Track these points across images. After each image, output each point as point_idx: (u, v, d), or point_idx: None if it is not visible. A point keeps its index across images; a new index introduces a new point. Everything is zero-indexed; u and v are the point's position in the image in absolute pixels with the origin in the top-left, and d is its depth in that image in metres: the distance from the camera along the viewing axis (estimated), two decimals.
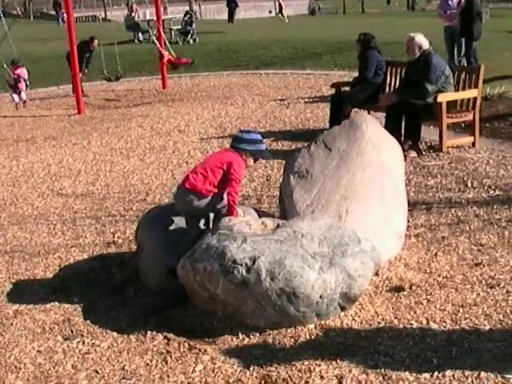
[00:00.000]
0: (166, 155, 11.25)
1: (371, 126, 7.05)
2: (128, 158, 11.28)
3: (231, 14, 46.94)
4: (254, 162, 6.29)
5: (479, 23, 16.47)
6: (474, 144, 10.38)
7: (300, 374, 4.65)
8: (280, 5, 53.89)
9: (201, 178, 5.94)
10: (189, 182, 5.98)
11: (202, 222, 6.18)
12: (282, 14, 52.14)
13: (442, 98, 10.00)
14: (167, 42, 19.06)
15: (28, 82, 17.06)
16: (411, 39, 10.50)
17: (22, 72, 17.05)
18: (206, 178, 5.93)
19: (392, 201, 6.54)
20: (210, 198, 5.95)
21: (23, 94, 16.95)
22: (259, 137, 6.25)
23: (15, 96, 16.65)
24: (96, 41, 18.41)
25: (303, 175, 6.57)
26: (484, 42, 17.74)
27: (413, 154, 9.92)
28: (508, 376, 4.43)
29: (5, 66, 16.56)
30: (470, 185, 8.54)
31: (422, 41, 10.45)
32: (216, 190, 5.95)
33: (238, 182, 5.95)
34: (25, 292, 6.37)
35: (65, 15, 22.08)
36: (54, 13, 59.56)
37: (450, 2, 17.19)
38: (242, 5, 51.03)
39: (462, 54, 16.83)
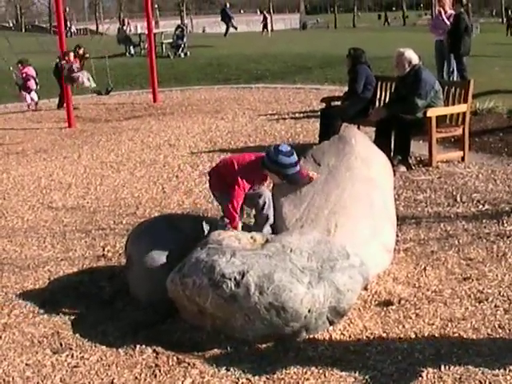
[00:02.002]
0: (157, 169, 11.26)
1: (360, 140, 7.08)
2: (118, 171, 11.28)
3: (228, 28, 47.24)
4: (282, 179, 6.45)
5: (467, 39, 16.55)
6: (463, 159, 10.43)
7: None
8: (265, 20, 54.52)
9: (219, 180, 6.62)
10: (211, 183, 6.84)
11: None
12: (267, 30, 52.83)
13: (432, 112, 10.05)
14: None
15: (37, 81, 17.17)
16: (401, 54, 10.55)
17: (30, 70, 17.13)
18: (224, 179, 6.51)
19: (381, 215, 6.56)
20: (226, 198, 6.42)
21: (34, 94, 16.98)
22: (289, 160, 6.24)
23: (27, 96, 16.71)
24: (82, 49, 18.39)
25: (292, 190, 6.59)
26: (474, 57, 17.84)
27: (402, 168, 9.95)
28: None
29: (11, 68, 16.62)
30: (459, 199, 8.58)
31: (412, 56, 10.50)
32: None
33: (241, 189, 6.27)
34: (14, 305, 6.36)
35: (73, 27, 22.22)
36: (45, 25, 59.65)
37: (440, 17, 17.32)
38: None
39: (452, 69, 16.92)
